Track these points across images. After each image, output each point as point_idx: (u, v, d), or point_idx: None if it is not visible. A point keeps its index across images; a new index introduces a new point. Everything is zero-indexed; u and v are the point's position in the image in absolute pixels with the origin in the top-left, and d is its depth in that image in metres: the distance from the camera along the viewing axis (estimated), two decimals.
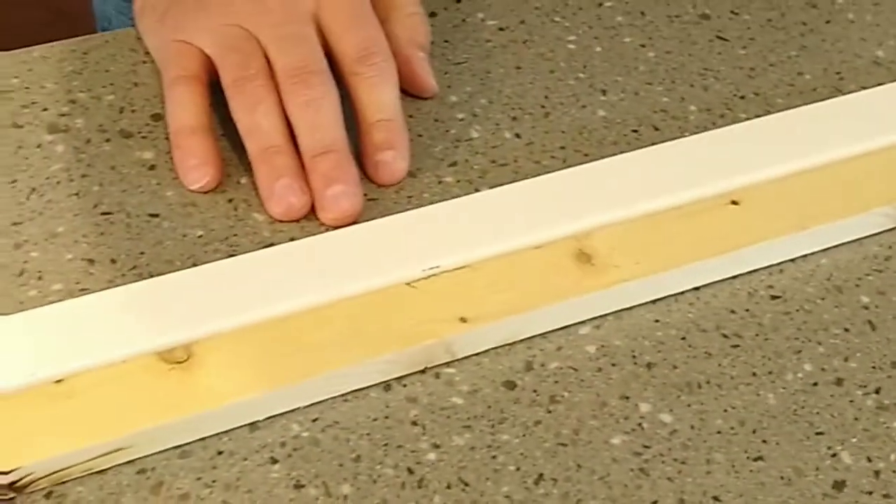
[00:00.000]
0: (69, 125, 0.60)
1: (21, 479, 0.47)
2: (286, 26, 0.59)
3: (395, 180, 0.59)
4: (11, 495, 0.47)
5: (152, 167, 0.59)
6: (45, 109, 0.61)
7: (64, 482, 0.48)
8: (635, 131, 0.62)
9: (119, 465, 0.49)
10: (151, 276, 0.54)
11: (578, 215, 0.56)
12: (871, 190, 0.58)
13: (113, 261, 0.55)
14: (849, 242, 0.58)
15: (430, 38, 0.64)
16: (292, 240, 0.56)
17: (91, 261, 0.55)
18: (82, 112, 0.61)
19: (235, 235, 0.56)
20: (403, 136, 0.59)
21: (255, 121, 0.57)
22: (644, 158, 0.59)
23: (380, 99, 0.59)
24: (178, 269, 0.54)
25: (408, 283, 0.54)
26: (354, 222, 0.56)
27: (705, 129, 0.62)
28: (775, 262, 0.57)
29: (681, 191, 0.57)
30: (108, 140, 0.60)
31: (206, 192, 0.58)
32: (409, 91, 0.62)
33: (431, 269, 0.54)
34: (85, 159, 0.59)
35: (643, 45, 0.67)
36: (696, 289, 0.56)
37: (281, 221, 0.57)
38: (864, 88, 0.65)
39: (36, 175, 0.58)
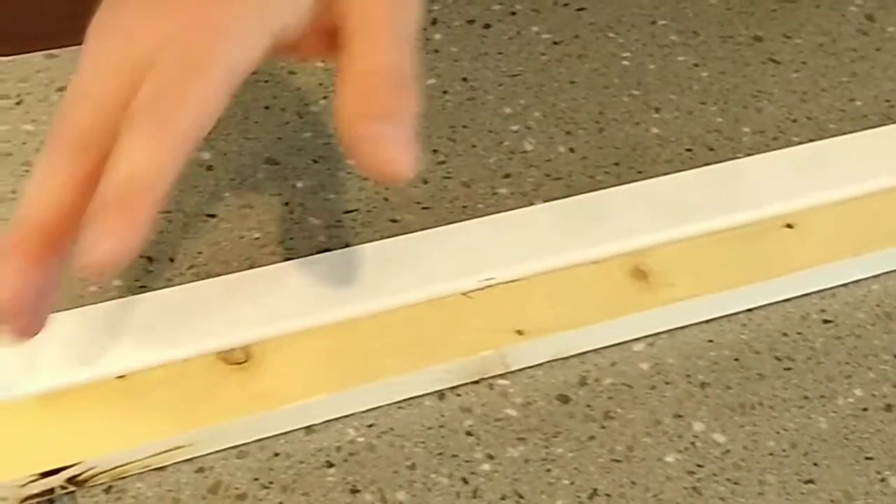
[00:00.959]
0: None
1: (82, 473, 0.47)
2: None
3: None
4: (72, 489, 0.48)
5: (210, 168, 0.59)
6: None
7: (123, 478, 0.48)
8: (689, 150, 0.62)
9: (178, 462, 0.49)
10: (209, 276, 0.54)
11: (635, 233, 0.56)
12: None
13: (171, 259, 0.55)
14: None
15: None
16: (347, 245, 0.56)
17: (150, 258, 0.55)
18: None
19: (291, 239, 0.57)
20: None
21: None
22: (701, 178, 0.59)
23: None
24: (234, 270, 0.55)
25: (464, 294, 0.54)
26: None
27: (758, 150, 0.62)
28: (828, 286, 0.57)
29: (737, 212, 0.57)
30: None
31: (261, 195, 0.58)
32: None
33: (488, 279, 0.54)
34: None
35: (696, 65, 0.67)
36: (749, 310, 0.56)
37: (334, 226, 0.57)
38: None
39: None
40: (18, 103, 0.61)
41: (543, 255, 0.55)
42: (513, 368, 0.53)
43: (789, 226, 0.58)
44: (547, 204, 0.58)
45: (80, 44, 0.42)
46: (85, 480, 0.48)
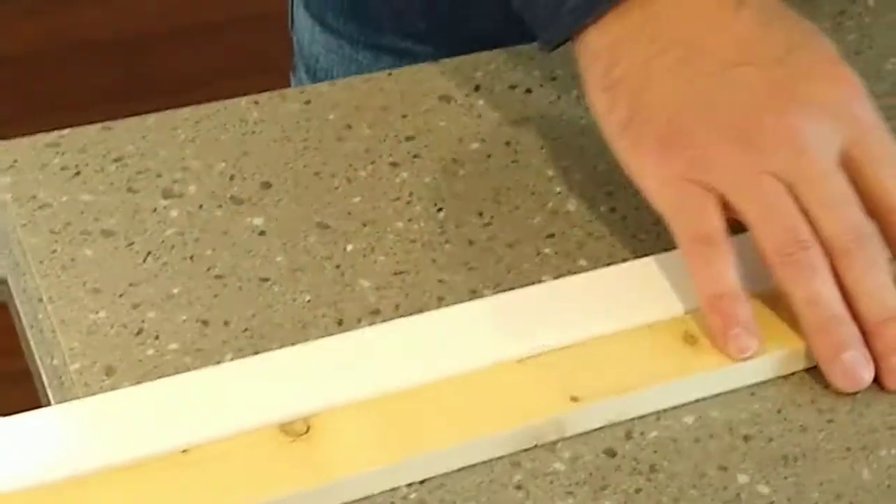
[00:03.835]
0: (182, 191, 0.63)
1: None
2: (828, 183, 0.56)
3: None
4: None
5: (262, 233, 0.61)
6: (160, 175, 0.63)
7: None
8: None
9: None
10: (262, 338, 0.56)
11: (685, 297, 0.57)
12: None
13: (226, 323, 0.57)
14: None
15: None
16: (397, 306, 0.58)
17: (205, 322, 0.57)
18: (194, 179, 0.63)
19: (342, 301, 0.58)
20: None
21: (815, 290, 0.55)
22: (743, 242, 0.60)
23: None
24: (287, 333, 0.56)
25: (518, 361, 0.55)
26: None
27: None
28: None
29: None
30: (219, 206, 0.62)
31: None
32: None
33: (542, 346, 0.55)
34: (198, 224, 0.61)
35: None
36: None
37: (384, 287, 0.59)
38: None
39: (151, 238, 0.60)
40: (77, 174, 0.63)
41: (597, 320, 0.56)
42: (568, 435, 0.54)
43: None
44: (595, 272, 0.59)
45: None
46: None
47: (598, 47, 0.60)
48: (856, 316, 0.56)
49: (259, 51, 1.85)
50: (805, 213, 0.56)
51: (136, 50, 2.06)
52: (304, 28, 0.88)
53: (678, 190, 0.57)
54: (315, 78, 0.87)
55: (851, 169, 0.57)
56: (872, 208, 0.57)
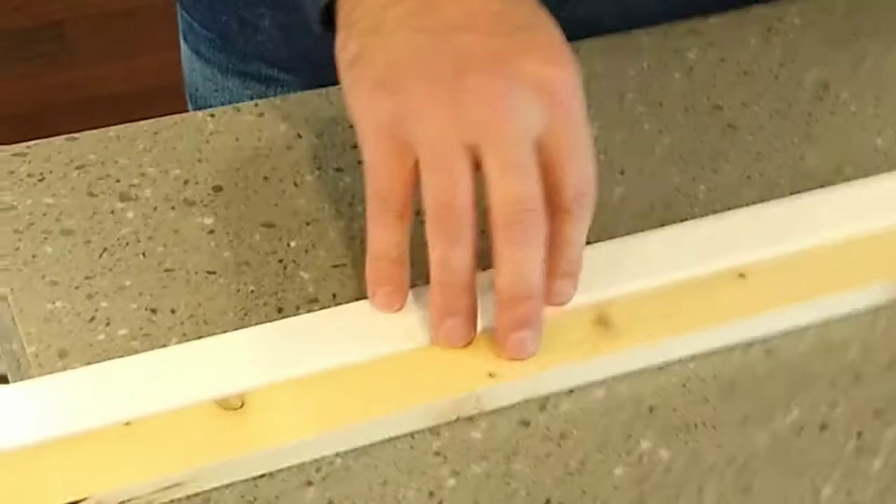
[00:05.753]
0: (138, 195, 0.67)
1: None
2: (514, 150, 0.57)
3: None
4: None
5: (211, 231, 0.66)
6: (118, 181, 0.68)
7: None
8: (650, 207, 0.68)
9: (177, 499, 0.55)
10: (206, 324, 0.61)
11: (598, 284, 0.62)
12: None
13: (173, 311, 0.62)
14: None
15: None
16: (334, 295, 0.63)
17: (154, 310, 0.62)
18: (150, 183, 0.68)
19: (283, 291, 0.63)
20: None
21: (448, 256, 0.58)
22: (660, 236, 0.65)
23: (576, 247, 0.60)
24: (230, 319, 0.61)
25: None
26: None
27: (713, 206, 0.68)
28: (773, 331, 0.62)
29: (692, 266, 0.63)
30: (172, 208, 0.67)
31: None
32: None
33: None
34: (151, 224, 0.66)
35: (660, 132, 0.73)
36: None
37: (322, 279, 0.63)
38: (862, 172, 0.71)
39: (108, 237, 0.65)
40: (41, 180, 0.68)
41: None
42: (486, 409, 0.58)
43: (742, 275, 0.63)
44: None
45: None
46: None
47: None
48: (495, 284, 0.58)
49: None
50: (484, 176, 0.57)
51: None
52: (185, 58, 0.94)
53: (381, 143, 0.59)
54: (196, 105, 0.94)
55: (541, 152, 0.57)
56: (547, 195, 0.58)
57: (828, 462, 0.57)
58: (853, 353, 0.62)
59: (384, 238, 0.60)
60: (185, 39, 0.94)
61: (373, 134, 0.59)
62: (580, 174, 0.58)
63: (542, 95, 0.58)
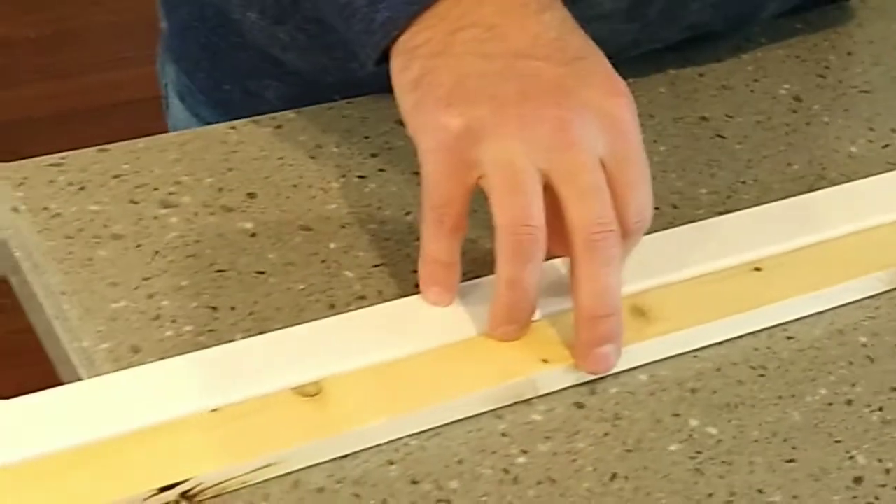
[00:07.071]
0: (178, 202, 0.70)
1: (192, 488, 0.56)
2: (589, 176, 0.60)
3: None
4: (184, 503, 0.56)
5: (253, 234, 0.69)
6: (156, 189, 0.71)
7: (224, 494, 0.56)
8: (657, 209, 0.73)
9: (268, 479, 0.57)
10: (266, 321, 0.64)
11: (636, 276, 0.66)
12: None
13: (232, 308, 0.64)
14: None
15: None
16: (380, 292, 0.66)
17: (214, 308, 0.64)
18: (187, 191, 0.71)
19: (332, 289, 0.66)
20: None
21: (521, 276, 0.60)
22: (682, 234, 0.70)
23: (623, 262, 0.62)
24: (286, 315, 0.64)
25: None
26: None
27: (715, 208, 0.73)
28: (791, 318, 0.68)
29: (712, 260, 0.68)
30: (212, 213, 0.70)
31: (307, 257, 0.67)
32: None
33: None
34: (196, 228, 0.69)
35: (655, 141, 0.78)
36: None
37: (366, 277, 0.66)
38: (843, 176, 0.77)
39: (156, 241, 0.67)
40: (82, 188, 0.70)
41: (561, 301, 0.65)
42: (541, 393, 0.62)
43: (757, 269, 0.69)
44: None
45: None
46: (195, 495, 0.56)
47: (404, 26, 0.64)
48: (575, 302, 0.61)
49: None
50: (560, 201, 0.60)
51: None
52: (180, 119, 0.95)
53: (442, 159, 0.61)
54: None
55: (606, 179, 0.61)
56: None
57: (858, 434, 0.62)
58: (863, 337, 0.67)
59: (438, 246, 0.63)
60: (181, 100, 0.94)
61: (436, 150, 0.61)
62: (641, 200, 0.62)
63: (605, 125, 0.61)
